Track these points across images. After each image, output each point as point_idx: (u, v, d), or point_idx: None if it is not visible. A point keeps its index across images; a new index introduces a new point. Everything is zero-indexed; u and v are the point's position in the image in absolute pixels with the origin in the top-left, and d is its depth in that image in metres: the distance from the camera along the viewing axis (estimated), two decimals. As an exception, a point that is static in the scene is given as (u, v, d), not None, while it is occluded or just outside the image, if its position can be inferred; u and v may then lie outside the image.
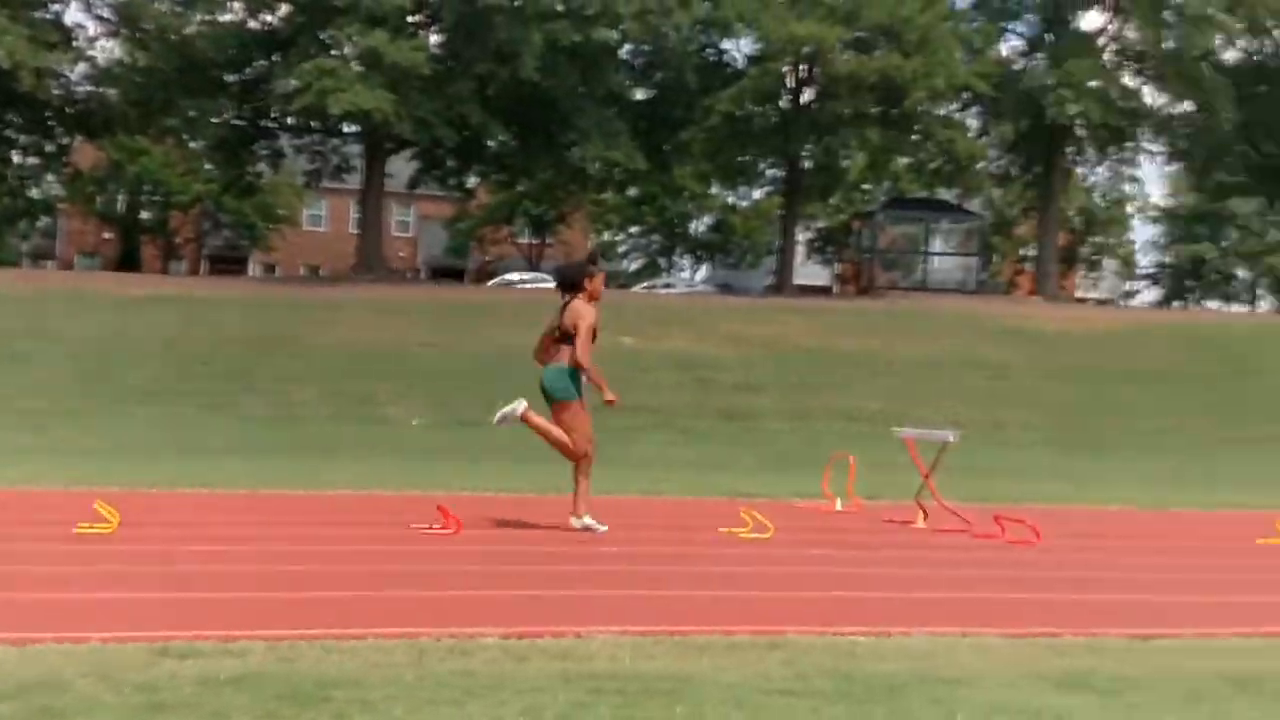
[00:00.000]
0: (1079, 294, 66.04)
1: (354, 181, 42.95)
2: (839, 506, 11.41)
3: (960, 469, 16.22)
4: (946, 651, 5.13)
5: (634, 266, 70.34)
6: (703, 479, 14.07)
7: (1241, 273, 72.66)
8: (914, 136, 39.54)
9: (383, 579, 6.54)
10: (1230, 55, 43.24)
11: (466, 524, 8.51)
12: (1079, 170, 48.89)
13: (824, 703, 4.20)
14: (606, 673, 4.48)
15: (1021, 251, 60.06)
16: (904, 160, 45.58)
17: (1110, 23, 40.80)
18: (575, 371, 9.07)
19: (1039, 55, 40.29)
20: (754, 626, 5.39)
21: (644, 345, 28.29)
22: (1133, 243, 73.16)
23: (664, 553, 8.02)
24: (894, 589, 6.97)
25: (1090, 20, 42.14)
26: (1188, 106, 42.18)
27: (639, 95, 41.33)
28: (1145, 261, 74.98)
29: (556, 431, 9.12)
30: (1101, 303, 62.12)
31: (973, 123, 42.88)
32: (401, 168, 43.25)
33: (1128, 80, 41.49)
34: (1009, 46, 42.20)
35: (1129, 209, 67.17)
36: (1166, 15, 38.60)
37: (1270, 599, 7.18)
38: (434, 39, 37.25)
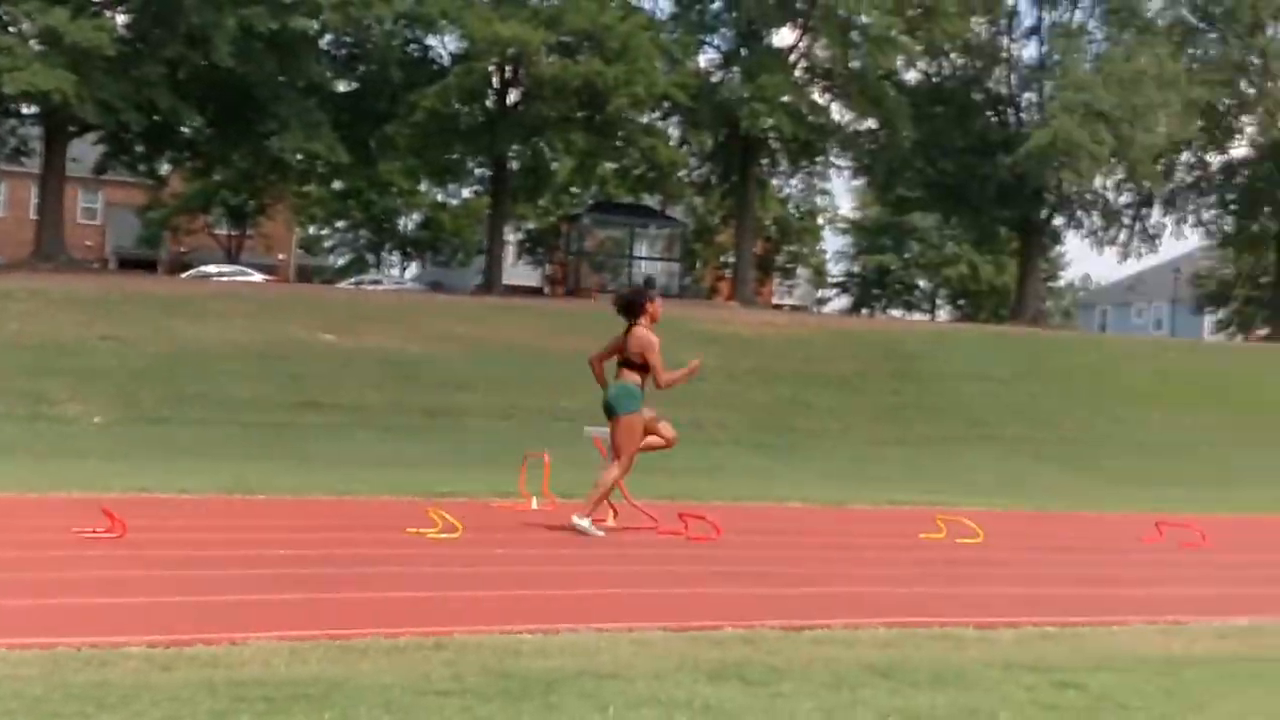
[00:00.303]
0: (775, 300, 68.67)
1: (34, 165, 40.35)
2: (535, 505, 11.49)
3: (659, 468, 16.57)
4: (609, 647, 5.21)
5: (341, 262, 68.90)
6: (401, 478, 13.92)
7: (923, 283, 77.34)
8: (618, 142, 40.21)
9: (27, 586, 6.14)
10: (911, 76, 45.90)
11: (136, 527, 8.09)
12: (774, 181, 50.79)
13: (478, 701, 4.19)
14: (255, 679, 4.34)
15: (722, 258, 61.97)
16: (610, 165, 46.31)
17: (801, 40, 42.55)
18: (640, 391, 9.75)
19: (734, 69, 41.61)
20: (420, 628, 5.34)
21: (346, 342, 27.73)
22: (824, 252, 76.69)
23: (343, 555, 7.85)
24: (571, 586, 7.05)
25: (782, 37, 43.86)
26: (872, 124, 44.43)
27: (341, 87, 40.51)
28: (836, 270, 78.85)
29: (652, 440, 9.97)
30: (796, 309, 64.77)
31: (674, 131, 43.92)
32: (89, 151, 40.93)
33: (817, 96, 43.35)
34: (706, 59, 43.44)
35: (820, 220, 70.32)
36: (853, 35, 40.54)
37: (921, 590, 7.62)
38: (121, 19, 35.41)
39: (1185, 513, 13.46)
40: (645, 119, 40.79)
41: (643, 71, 36.28)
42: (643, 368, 9.69)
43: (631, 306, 9.84)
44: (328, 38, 39.25)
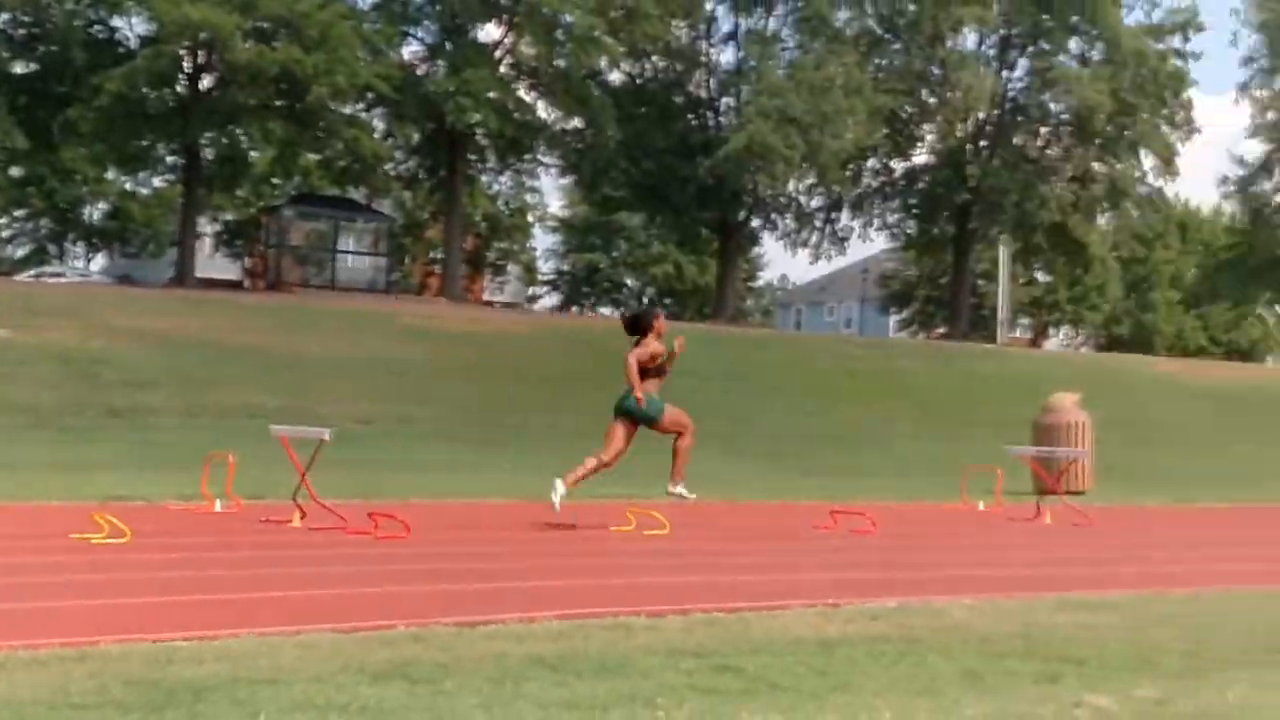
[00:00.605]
0: (486, 297, 68.56)
1: None
2: (219, 507, 11.12)
3: (364, 464, 16.37)
4: (270, 651, 5.06)
5: (20, 253, 64.62)
6: (76, 482, 13.20)
7: (630, 281, 78.79)
8: (319, 133, 39.27)
9: None
10: (615, 77, 46.66)
11: None
12: (483, 177, 50.68)
13: (118, 713, 4.00)
14: None
15: (431, 254, 61.40)
16: (313, 156, 45.18)
17: (506, 37, 42.63)
18: (656, 396, 11.03)
19: (439, 62, 41.30)
20: (66, 638, 5.05)
21: (21, 337, 26.07)
22: (535, 250, 77.03)
23: (-6, 564, 7.36)
24: (242, 590, 6.82)
25: (488, 33, 43.84)
26: (578, 123, 44.93)
27: (19, 69, 38.06)
28: (547, 268, 79.36)
29: (681, 454, 11.22)
30: (508, 306, 64.83)
31: (379, 123, 43.24)
32: None
33: (523, 93, 43.53)
34: (410, 51, 42.95)
35: (530, 217, 70.53)
36: (558, 34, 40.90)
37: (600, 582, 7.74)
38: None
39: (862, 501, 14.20)
40: (348, 110, 39.98)
41: (343, 61, 35.56)
42: (658, 374, 11.07)
43: (638, 323, 11.16)
44: (3, 16, 36.81)
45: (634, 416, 11.00)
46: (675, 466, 11.21)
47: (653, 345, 11.03)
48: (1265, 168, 58.22)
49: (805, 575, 8.36)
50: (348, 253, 47.87)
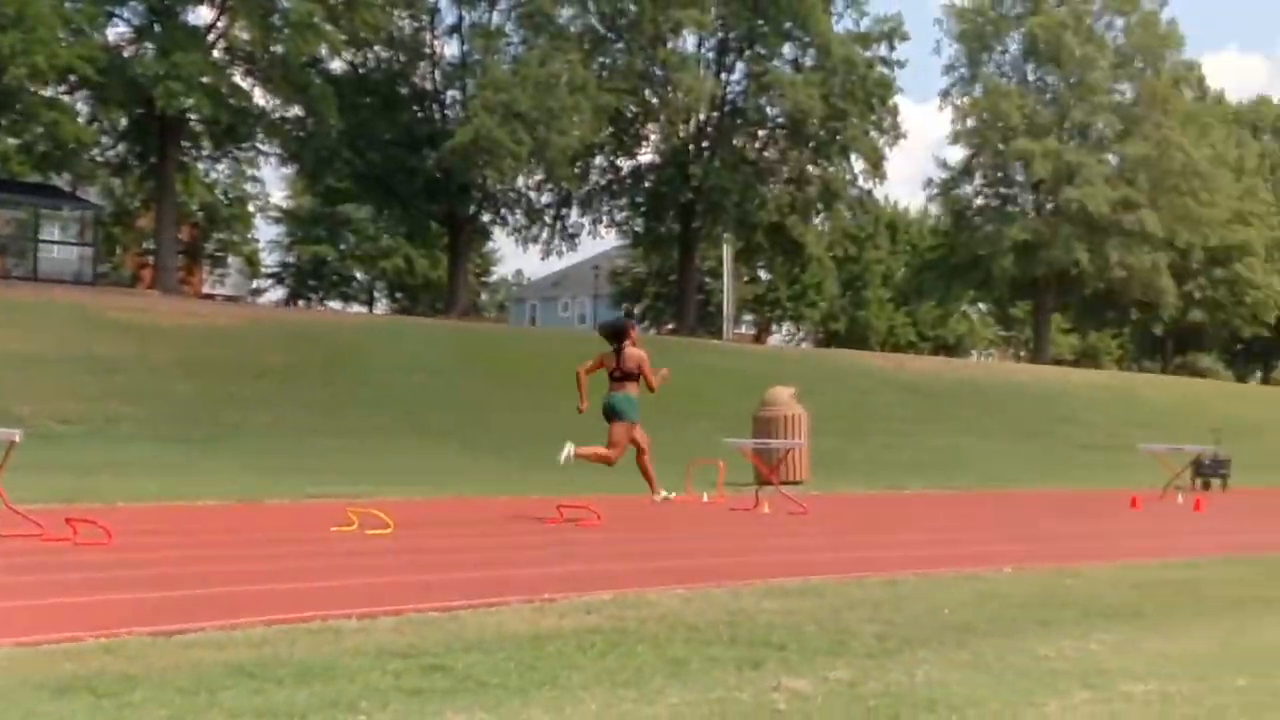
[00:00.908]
0: (207, 290, 66.02)
1: None
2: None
3: (66, 466, 15.45)
4: (-60, 670, 4.71)
5: None
6: None
7: (360, 274, 77.30)
8: (16, 116, 36.92)
9: None
10: (337, 65, 45.63)
11: None
12: (200, 165, 48.73)
13: None
14: None
15: (145, 244, 58.62)
16: (12, 141, 42.40)
17: (220, 20, 41.10)
18: (636, 400, 12.60)
19: (148, 44, 39.46)
20: None
21: None
22: (257, 241, 74.54)
23: None
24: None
25: (200, 15, 42.15)
26: (298, 111, 43.75)
27: None
28: (270, 260, 76.94)
29: (599, 450, 12.63)
30: (230, 299, 62.58)
31: (83, 107, 40.97)
32: None
33: (239, 79, 42.05)
34: (117, 33, 40.90)
35: (252, 207, 68.13)
36: (274, 19, 39.67)
37: (312, 584, 7.52)
38: None
39: (589, 494, 14.31)
40: (48, 92, 37.71)
41: (42, 41, 33.50)
42: (637, 378, 12.50)
43: (619, 333, 12.71)
44: None
45: (609, 412, 12.47)
46: (588, 455, 12.56)
47: (637, 355, 12.48)
48: (966, 172, 62.07)
49: (525, 570, 8.35)
50: (51, 242, 45.16)
